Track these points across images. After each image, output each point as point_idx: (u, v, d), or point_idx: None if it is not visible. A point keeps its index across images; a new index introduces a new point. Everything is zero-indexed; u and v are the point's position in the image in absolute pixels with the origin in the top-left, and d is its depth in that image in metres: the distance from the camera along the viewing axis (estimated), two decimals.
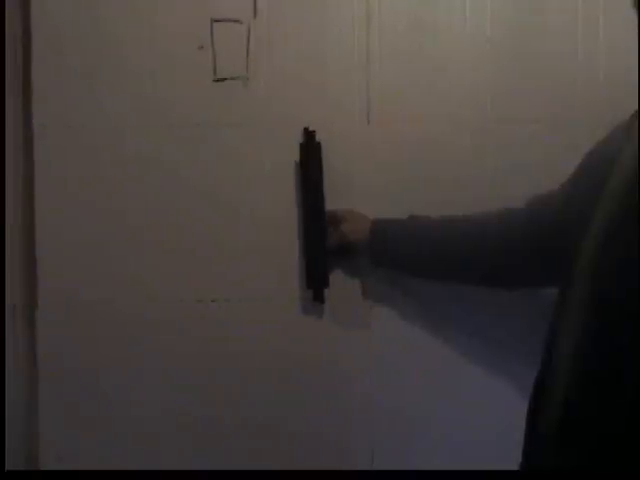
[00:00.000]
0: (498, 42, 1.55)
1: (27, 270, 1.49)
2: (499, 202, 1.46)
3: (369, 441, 1.56)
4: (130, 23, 1.49)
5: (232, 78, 1.52)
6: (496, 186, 1.55)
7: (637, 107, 1.15)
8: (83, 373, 1.51)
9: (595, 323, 1.11)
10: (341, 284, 1.56)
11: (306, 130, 1.52)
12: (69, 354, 1.51)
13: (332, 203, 1.54)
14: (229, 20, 1.51)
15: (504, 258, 1.44)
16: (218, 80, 1.52)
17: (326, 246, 1.54)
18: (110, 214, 1.51)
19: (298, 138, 1.52)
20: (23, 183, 1.49)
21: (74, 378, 1.51)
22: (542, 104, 1.55)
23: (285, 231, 1.55)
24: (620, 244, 1.09)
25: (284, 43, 1.52)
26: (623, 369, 1.06)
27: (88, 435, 1.52)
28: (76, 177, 1.50)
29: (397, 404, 1.57)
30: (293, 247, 1.55)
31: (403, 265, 1.54)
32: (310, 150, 1.53)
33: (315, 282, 1.55)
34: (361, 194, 1.56)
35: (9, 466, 1.42)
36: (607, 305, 1.10)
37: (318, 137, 1.52)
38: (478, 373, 1.57)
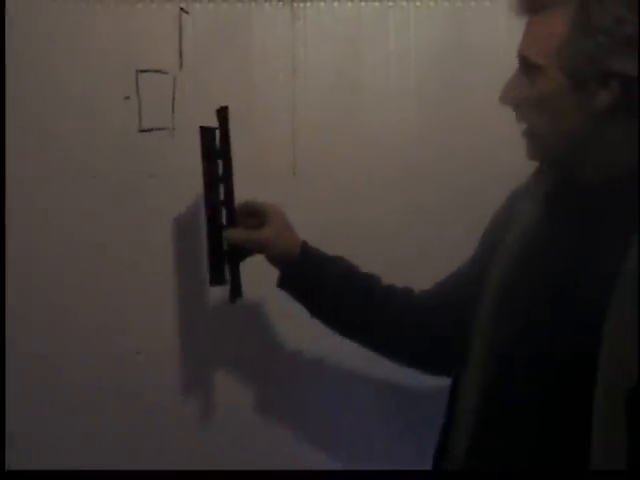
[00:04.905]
0: (422, 95, 1.52)
1: None
2: (426, 258, 1.49)
3: None
4: (56, 72, 1.49)
5: (158, 129, 1.51)
6: (425, 243, 1.53)
7: None
8: None
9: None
10: None
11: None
12: None
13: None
14: (155, 71, 1.50)
15: (394, 331, 1.35)
16: (144, 130, 1.51)
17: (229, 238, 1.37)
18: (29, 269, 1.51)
19: None
20: None
21: None
22: (469, 156, 1.52)
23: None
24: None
25: (210, 94, 1.49)
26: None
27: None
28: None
29: None
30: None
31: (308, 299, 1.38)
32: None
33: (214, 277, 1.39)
34: None
35: None
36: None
37: (245, 191, 1.48)
38: None
